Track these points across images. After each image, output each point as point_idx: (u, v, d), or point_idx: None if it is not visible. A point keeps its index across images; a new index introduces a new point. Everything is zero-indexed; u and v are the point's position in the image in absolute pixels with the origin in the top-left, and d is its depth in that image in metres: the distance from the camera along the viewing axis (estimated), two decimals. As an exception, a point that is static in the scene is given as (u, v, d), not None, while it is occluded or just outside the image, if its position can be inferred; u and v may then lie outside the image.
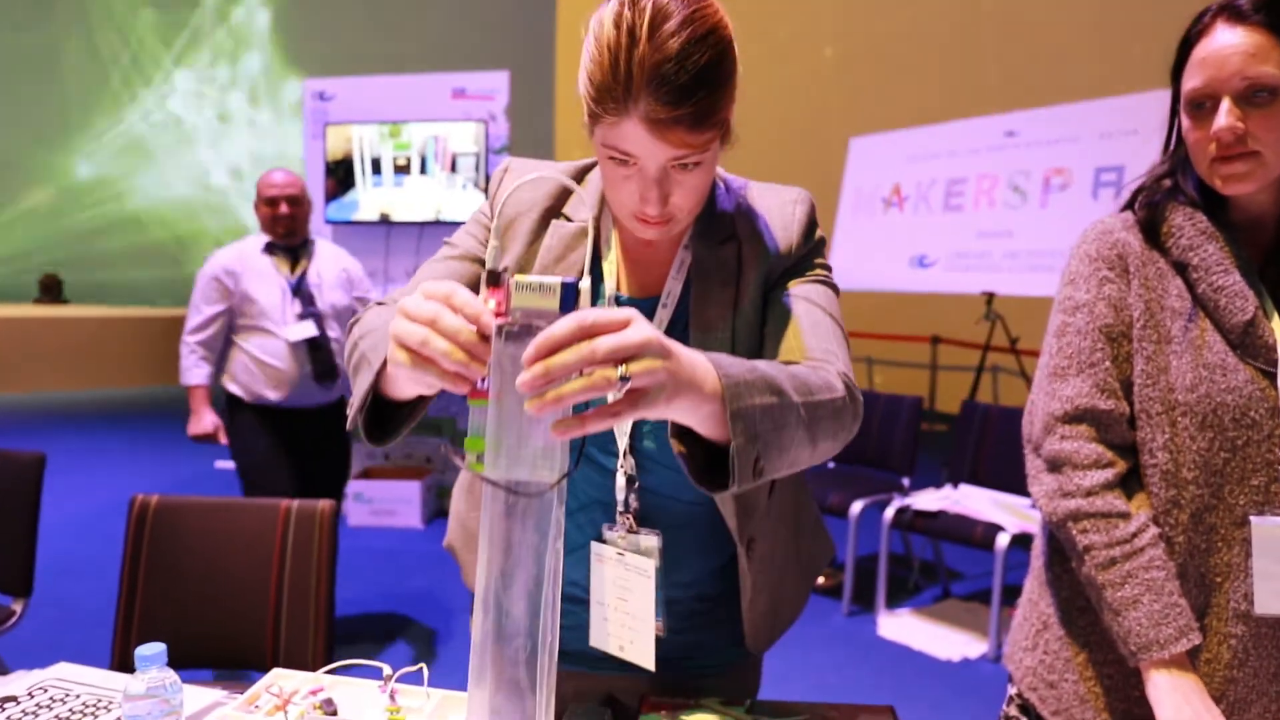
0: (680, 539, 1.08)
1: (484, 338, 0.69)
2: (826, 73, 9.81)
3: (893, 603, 3.83)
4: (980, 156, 7.89)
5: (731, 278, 1.03)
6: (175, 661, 1.10)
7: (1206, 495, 1.07)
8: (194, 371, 3.06)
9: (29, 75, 13.09)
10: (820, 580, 3.97)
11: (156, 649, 1.00)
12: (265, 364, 3.04)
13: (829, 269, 1.08)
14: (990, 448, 3.72)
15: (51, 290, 11.70)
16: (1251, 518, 1.05)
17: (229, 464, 6.92)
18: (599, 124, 0.89)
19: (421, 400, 0.88)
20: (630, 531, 1.04)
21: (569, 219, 1.06)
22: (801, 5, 9.86)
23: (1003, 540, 3.22)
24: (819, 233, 1.09)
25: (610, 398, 0.68)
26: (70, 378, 9.73)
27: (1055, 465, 1.12)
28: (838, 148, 9.26)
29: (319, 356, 3.08)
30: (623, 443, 1.04)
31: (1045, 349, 1.19)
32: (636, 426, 1.05)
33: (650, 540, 1.04)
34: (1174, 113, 1.13)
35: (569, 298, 0.69)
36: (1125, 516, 1.07)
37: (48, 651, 3.18)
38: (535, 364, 0.64)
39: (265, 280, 3.07)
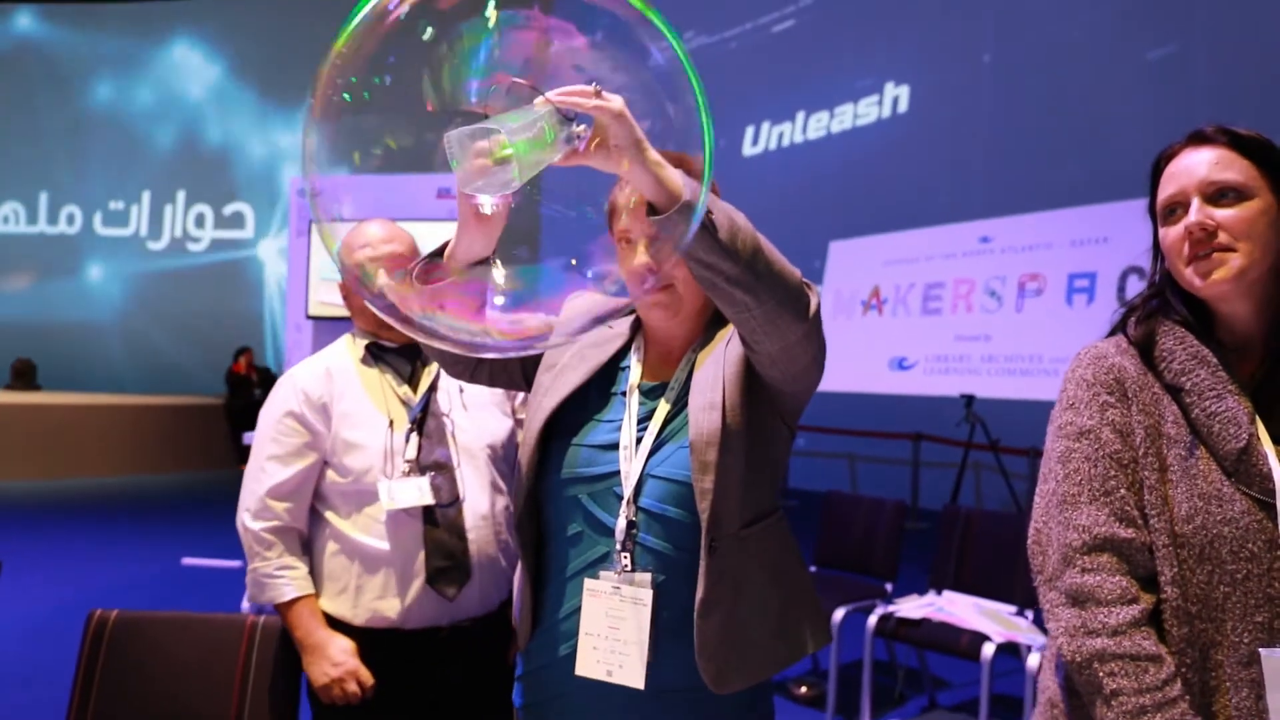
0: (665, 587, 1.23)
1: None
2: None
3: (878, 713, 3.72)
4: (957, 261, 8.07)
5: (720, 356, 1.27)
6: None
7: (1211, 630, 1.03)
8: (281, 578, 1.71)
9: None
10: (802, 690, 3.86)
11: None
12: (368, 553, 1.73)
13: None
14: (974, 553, 3.67)
15: (24, 376, 11.56)
16: (1262, 651, 1.01)
17: (198, 561, 6.73)
18: (614, 217, 1.24)
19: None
20: (625, 570, 1.21)
21: (610, 326, 1.36)
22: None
23: (989, 650, 3.15)
24: None
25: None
26: (38, 467, 9.54)
27: (1077, 600, 1.05)
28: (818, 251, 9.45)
29: (440, 539, 1.72)
30: (628, 489, 1.23)
31: (1048, 475, 1.15)
32: (638, 484, 1.24)
33: (644, 576, 1.21)
34: (1156, 242, 1.16)
35: None
36: (1156, 660, 1.01)
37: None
38: None
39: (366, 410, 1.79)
